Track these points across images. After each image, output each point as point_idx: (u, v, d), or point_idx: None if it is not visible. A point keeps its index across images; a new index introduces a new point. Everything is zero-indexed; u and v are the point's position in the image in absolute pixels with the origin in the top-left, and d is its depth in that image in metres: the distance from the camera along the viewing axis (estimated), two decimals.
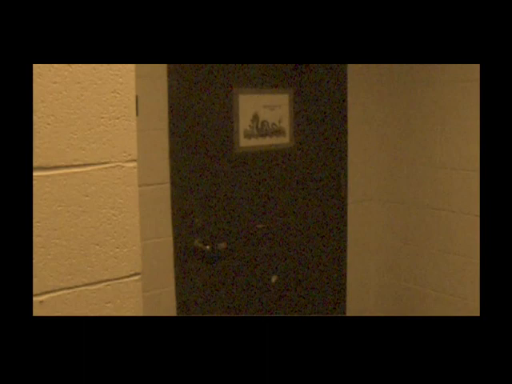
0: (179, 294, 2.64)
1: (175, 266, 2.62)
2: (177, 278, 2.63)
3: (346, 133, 3.12)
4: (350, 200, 3.18)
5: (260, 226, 2.81)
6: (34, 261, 1.06)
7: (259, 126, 2.79)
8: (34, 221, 1.06)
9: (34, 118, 1.04)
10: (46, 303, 1.08)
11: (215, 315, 2.72)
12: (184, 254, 2.64)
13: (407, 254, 3.19)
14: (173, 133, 2.53)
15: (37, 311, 1.07)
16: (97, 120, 1.11)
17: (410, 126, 3.07)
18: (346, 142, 3.12)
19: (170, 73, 2.49)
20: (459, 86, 2.82)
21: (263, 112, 2.79)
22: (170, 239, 2.59)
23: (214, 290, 2.75)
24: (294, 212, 2.94)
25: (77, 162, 1.10)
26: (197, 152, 2.62)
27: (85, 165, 1.11)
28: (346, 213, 3.18)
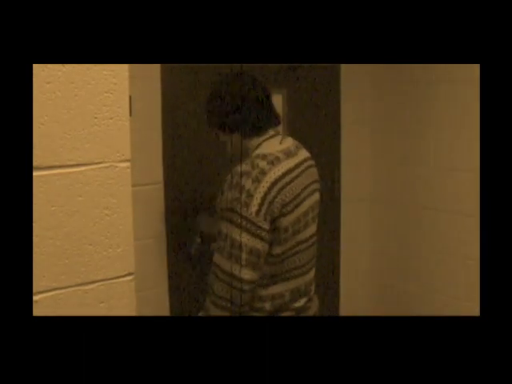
0: (172, 294, 2.64)
1: (168, 266, 2.62)
2: (170, 277, 2.63)
3: (340, 133, 3.13)
4: (343, 200, 3.19)
5: None
6: None
7: None
8: None
9: None
10: (39, 303, 1.08)
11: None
12: (177, 254, 2.63)
13: (400, 255, 3.19)
14: (166, 133, 2.53)
15: None
16: (90, 120, 1.11)
17: (404, 126, 3.08)
18: (339, 142, 3.13)
19: (163, 73, 2.49)
20: (453, 86, 2.83)
21: None
22: (164, 239, 2.59)
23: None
24: None
25: (70, 162, 1.10)
26: (190, 152, 2.62)
27: (78, 165, 1.11)
28: (340, 213, 3.19)
